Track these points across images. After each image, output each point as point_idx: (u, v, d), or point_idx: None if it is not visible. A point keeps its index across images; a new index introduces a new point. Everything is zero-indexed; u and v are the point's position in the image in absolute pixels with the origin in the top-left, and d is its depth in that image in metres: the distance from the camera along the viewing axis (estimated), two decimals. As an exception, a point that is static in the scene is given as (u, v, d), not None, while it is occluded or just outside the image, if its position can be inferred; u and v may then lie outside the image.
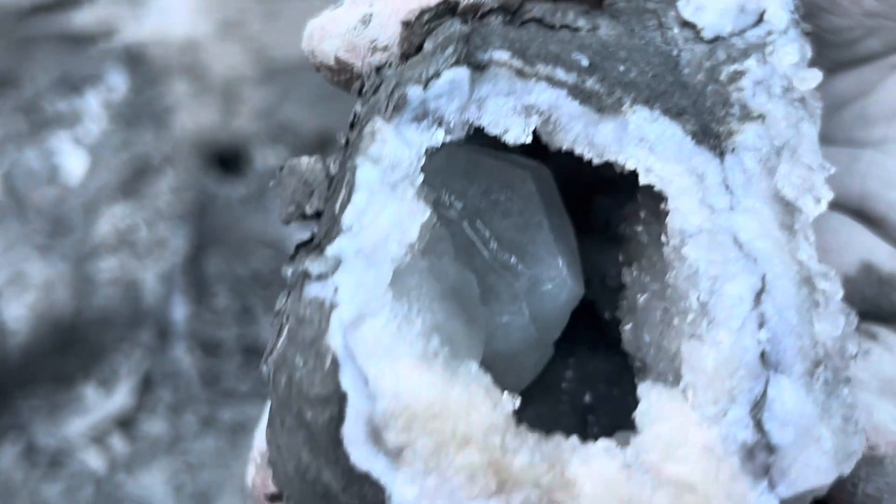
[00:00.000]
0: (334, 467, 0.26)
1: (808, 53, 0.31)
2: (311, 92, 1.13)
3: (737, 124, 0.29)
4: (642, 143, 0.29)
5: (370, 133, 0.27)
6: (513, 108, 0.29)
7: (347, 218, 0.27)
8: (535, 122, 0.29)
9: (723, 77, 0.30)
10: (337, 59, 0.30)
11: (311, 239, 0.30)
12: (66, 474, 0.93)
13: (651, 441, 0.25)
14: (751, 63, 0.30)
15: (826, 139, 0.37)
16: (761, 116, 0.29)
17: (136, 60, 1.13)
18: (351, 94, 0.31)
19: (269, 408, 0.29)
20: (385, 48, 0.29)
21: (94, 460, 0.93)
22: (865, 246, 0.37)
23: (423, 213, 0.27)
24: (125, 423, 0.96)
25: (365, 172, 0.27)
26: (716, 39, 0.30)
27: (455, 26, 0.29)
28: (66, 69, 1.13)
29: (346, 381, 0.25)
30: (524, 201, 0.33)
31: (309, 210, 0.29)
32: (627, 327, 0.32)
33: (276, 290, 1.07)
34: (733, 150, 0.29)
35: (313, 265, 0.26)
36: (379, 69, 0.30)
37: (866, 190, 0.37)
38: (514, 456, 0.25)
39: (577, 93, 0.29)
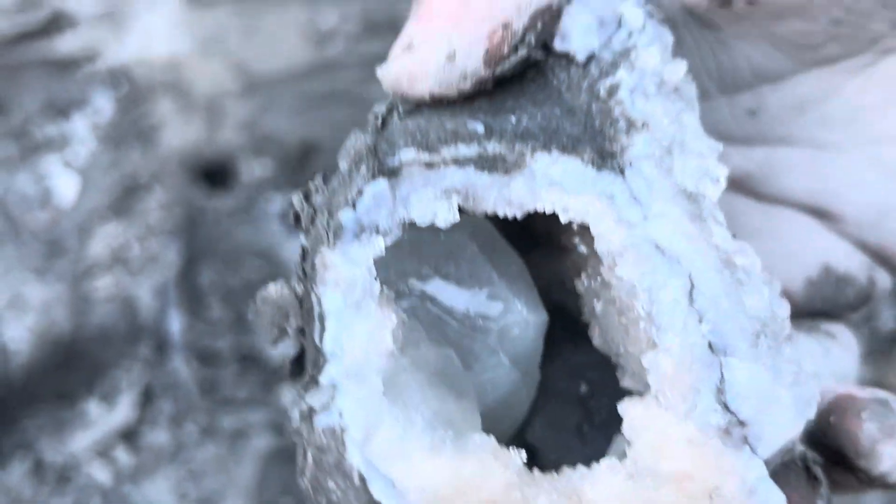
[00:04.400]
0: None
1: (669, 41, 0.33)
2: (292, 103, 1.15)
3: (626, 139, 0.32)
4: (551, 186, 0.31)
5: (321, 264, 0.30)
6: (433, 195, 0.31)
7: (328, 346, 0.29)
8: (456, 200, 0.31)
9: (602, 93, 0.33)
10: (431, 95, 0.32)
11: (302, 354, 0.34)
12: (74, 488, 0.95)
13: (643, 449, 0.29)
14: (622, 74, 0.33)
15: (789, 140, 0.40)
16: (645, 125, 0.32)
17: (120, 81, 1.16)
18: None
19: None
20: (473, 73, 0.32)
21: (100, 473, 0.96)
22: (823, 248, 0.40)
23: (391, 320, 0.30)
24: (128, 435, 0.98)
25: (329, 300, 0.30)
26: (589, 58, 0.33)
27: (360, 140, 0.32)
28: (52, 94, 1.15)
29: (377, 491, 0.29)
30: (470, 263, 0.35)
31: (290, 329, 0.33)
32: (595, 332, 0.35)
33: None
34: (630, 163, 0.32)
35: (314, 399, 0.29)
36: (307, 195, 0.33)
37: (828, 189, 0.39)
38: (536, 502, 0.28)
39: (483, 163, 0.32)
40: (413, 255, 0.35)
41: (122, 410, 0.99)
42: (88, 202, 1.08)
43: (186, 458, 0.96)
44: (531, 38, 0.32)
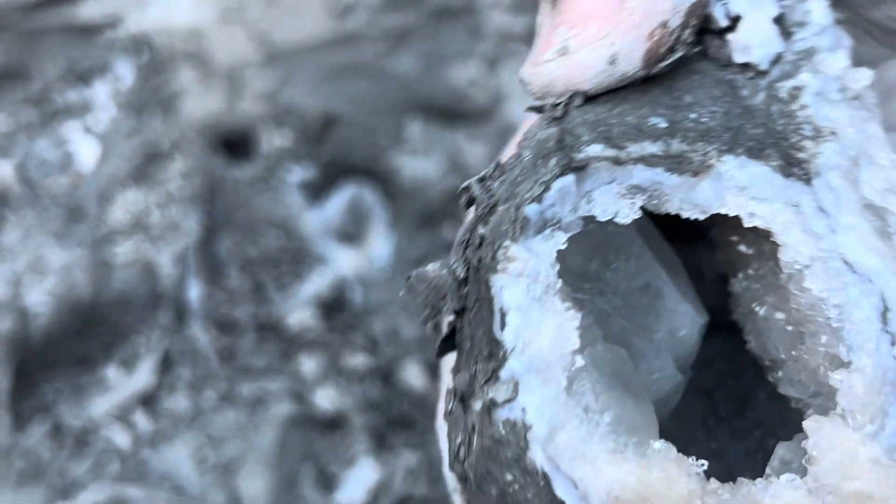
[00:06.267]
0: None
1: (849, 44, 0.33)
2: (313, 74, 1.15)
3: (813, 146, 0.31)
4: (738, 191, 0.31)
5: (505, 257, 0.29)
6: (618, 192, 0.31)
7: (509, 339, 0.29)
8: (640, 200, 0.31)
9: (783, 95, 0.32)
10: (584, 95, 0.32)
11: (451, 338, 0.33)
12: (93, 452, 0.96)
13: (828, 467, 0.28)
14: (805, 76, 0.32)
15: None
16: (833, 133, 0.31)
17: (141, 49, 1.15)
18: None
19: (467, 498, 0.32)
20: (633, 75, 0.32)
21: (119, 437, 0.97)
22: None
23: (576, 318, 0.29)
24: (147, 400, 0.99)
25: (511, 293, 0.29)
26: (773, 63, 0.32)
27: (547, 132, 0.31)
28: (73, 60, 1.15)
29: (560, 491, 0.28)
30: (637, 259, 0.35)
31: (446, 311, 0.32)
32: (750, 336, 0.35)
33: (285, 269, 1.10)
34: (818, 173, 0.31)
35: (496, 392, 0.29)
36: (482, 179, 0.32)
37: None
38: None
39: (671, 164, 0.31)
40: (581, 246, 0.34)
41: (142, 376, 1.00)
42: (109, 168, 1.09)
43: (205, 424, 0.97)
44: (685, 36, 0.32)
